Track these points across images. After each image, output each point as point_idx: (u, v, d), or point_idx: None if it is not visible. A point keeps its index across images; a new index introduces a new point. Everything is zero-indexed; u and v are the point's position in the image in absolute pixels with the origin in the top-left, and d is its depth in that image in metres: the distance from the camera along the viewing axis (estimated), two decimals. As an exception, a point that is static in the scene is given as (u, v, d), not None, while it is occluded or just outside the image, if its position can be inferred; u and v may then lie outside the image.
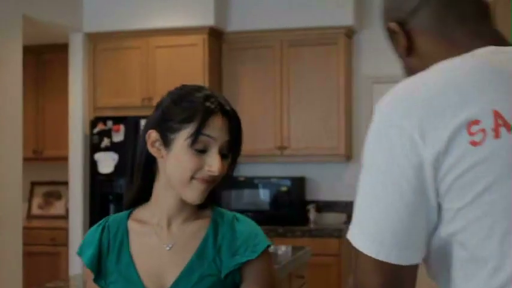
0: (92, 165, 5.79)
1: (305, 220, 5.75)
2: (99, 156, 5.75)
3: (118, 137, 5.72)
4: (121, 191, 5.64)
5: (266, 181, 5.67)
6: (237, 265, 1.56)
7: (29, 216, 6.76)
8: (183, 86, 1.62)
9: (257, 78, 5.85)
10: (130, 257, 1.60)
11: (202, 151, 1.52)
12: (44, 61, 6.57)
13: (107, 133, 5.74)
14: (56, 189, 6.77)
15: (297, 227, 5.44)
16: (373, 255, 1.16)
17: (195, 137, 1.50)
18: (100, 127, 5.76)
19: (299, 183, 5.83)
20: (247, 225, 1.62)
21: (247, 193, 5.74)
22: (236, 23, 5.89)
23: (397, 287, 1.19)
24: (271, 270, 1.63)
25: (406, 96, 1.18)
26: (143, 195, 1.64)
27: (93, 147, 5.78)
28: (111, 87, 5.87)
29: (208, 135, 1.51)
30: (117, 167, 5.70)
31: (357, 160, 5.99)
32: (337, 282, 5.25)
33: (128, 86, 5.83)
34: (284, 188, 5.65)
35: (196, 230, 1.61)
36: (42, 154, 6.57)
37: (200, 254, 1.58)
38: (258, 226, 1.65)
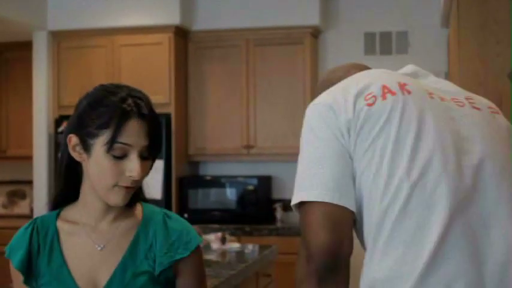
0: (57, 164, 5.72)
1: (272, 219, 5.77)
2: (64, 155, 5.69)
3: (83, 136, 5.67)
4: (86, 190, 5.60)
5: (233, 180, 5.68)
6: (171, 262, 1.58)
7: (-8, 216, 6.68)
8: (101, 86, 1.61)
9: (223, 77, 5.85)
10: (63, 257, 1.60)
11: (122, 157, 1.51)
12: (6, 59, 6.48)
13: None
14: (20, 188, 6.68)
15: (263, 226, 5.46)
16: (321, 199, 1.44)
17: (111, 145, 1.50)
18: (65, 126, 5.70)
19: (266, 182, 5.85)
20: (179, 223, 1.63)
21: (214, 192, 5.74)
22: (202, 22, 5.88)
23: (340, 239, 1.43)
24: (202, 266, 1.67)
25: (332, 90, 1.61)
26: (70, 195, 1.64)
27: (58, 146, 5.72)
28: (75, 86, 5.81)
29: (124, 143, 1.50)
30: (83, 166, 5.65)
31: (322, 159, 6.02)
32: (303, 280, 5.27)
33: (92, 85, 5.64)
34: (251, 187, 5.66)
35: (127, 229, 1.61)
36: (5, 153, 6.48)
37: (132, 252, 1.58)
38: (188, 223, 1.67)
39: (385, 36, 5.92)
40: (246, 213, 5.63)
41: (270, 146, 5.74)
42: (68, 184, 1.63)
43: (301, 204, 1.49)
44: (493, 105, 1.69)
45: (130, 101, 1.53)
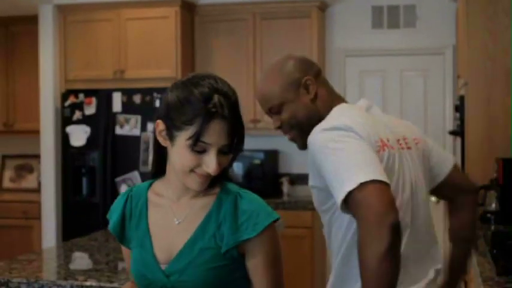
0: (64, 138, 5.75)
1: (278, 193, 5.79)
2: (71, 129, 5.71)
3: (90, 109, 5.67)
4: (93, 163, 5.62)
5: (239, 154, 5.66)
6: (236, 242, 1.64)
7: (1, 189, 6.71)
8: (189, 79, 1.66)
9: (230, 51, 5.83)
10: (147, 225, 1.74)
11: (201, 152, 1.60)
12: (12, 33, 6.46)
13: (79, 106, 5.70)
14: (28, 162, 6.71)
15: (270, 200, 5.47)
16: (372, 177, 1.67)
17: (193, 142, 1.58)
18: (71, 100, 5.71)
19: (272, 156, 5.86)
20: (250, 203, 1.67)
21: (220, 166, 5.74)
22: (209, -5, 5.85)
23: (392, 205, 1.65)
24: (274, 246, 1.69)
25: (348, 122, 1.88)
26: (161, 169, 1.75)
27: (65, 120, 5.73)
28: (82, 60, 5.81)
29: (205, 142, 1.59)
30: (89, 140, 5.67)
31: (329, 133, 6.02)
32: (310, 254, 5.31)
33: (99, 59, 5.77)
34: (257, 161, 5.67)
35: (203, 206, 1.70)
36: (13, 127, 6.49)
37: (203, 228, 1.67)
38: (262, 202, 1.70)
39: (393, 10, 5.87)
40: (253, 187, 5.63)
41: (277, 120, 5.72)
42: (158, 160, 1.74)
43: (357, 189, 1.68)
44: (417, 135, 2.14)
45: (215, 99, 1.59)
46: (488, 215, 3.84)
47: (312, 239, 5.28)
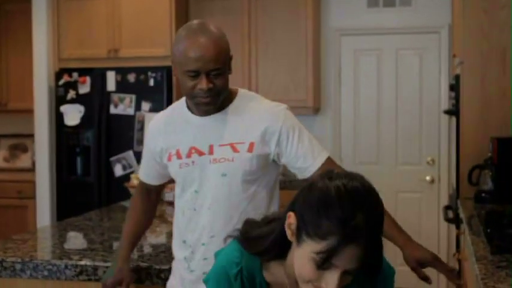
0: (58, 117, 5.72)
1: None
2: (65, 108, 5.69)
3: (84, 88, 5.65)
4: (88, 143, 5.61)
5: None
6: None
7: (-5, 169, 6.70)
8: (331, 185, 1.44)
9: (225, 29, 5.73)
10: None
11: (325, 269, 1.43)
12: (6, 11, 6.41)
13: (73, 85, 5.67)
14: (22, 141, 6.69)
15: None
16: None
17: (320, 261, 1.41)
18: (65, 79, 5.68)
19: (267, 135, 5.84)
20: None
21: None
22: (203, -27, 5.80)
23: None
24: None
25: None
26: (273, 252, 1.59)
27: (59, 99, 5.71)
28: (76, 38, 5.77)
29: (335, 265, 1.41)
30: (84, 119, 5.65)
31: (324, 112, 6.02)
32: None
33: (93, 37, 5.74)
34: (252, 140, 5.66)
35: None
36: (6, 106, 6.47)
37: None
38: (390, 275, 1.67)
39: (389, -12, 5.84)
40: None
41: (272, 99, 5.70)
42: (278, 243, 1.56)
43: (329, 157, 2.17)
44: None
45: (358, 220, 1.39)
46: (483, 195, 3.85)
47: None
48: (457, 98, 4.22)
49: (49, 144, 5.81)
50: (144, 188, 2.39)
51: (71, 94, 5.67)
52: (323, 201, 1.43)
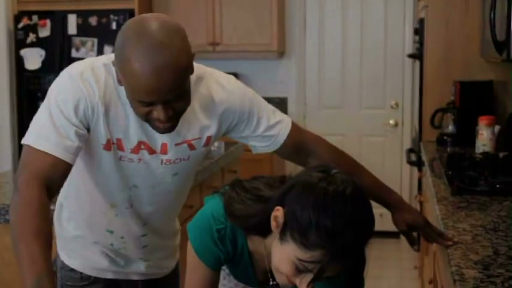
0: (18, 61, 5.61)
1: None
2: (25, 52, 5.57)
3: (44, 32, 5.53)
4: (49, 87, 5.51)
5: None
6: None
7: (-46, 114, 6.57)
8: (328, 191, 1.39)
9: (188, -29, 5.68)
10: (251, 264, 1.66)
11: (303, 271, 1.43)
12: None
13: (33, 28, 5.54)
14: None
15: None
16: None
17: (302, 268, 1.41)
18: (25, 22, 5.55)
19: (231, 79, 5.81)
20: None
21: (179, 90, 5.69)
22: None
23: None
24: None
25: None
26: (255, 230, 1.58)
27: (18, 43, 5.58)
28: (35, -20, 5.61)
29: (314, 272, 1.41)
30: (45, 63, 5.54)
31: (289, 56, 5.99)
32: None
33: (53, -21, 5.58)
34: (216, 85, 5.62)
35: None
36: (-36, 50, 6.30)
37: None
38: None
39: None
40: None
41: (236, 43, 5.67)
42: (261, 224, 1.53)
43: None
44: None
45: (348, 236, 1.36)
46: (445, 138, 3.90)
47: (271, 162, 5.32)
48: (421, 42, 4.23)
49: (9, 88, 5.69)
50: (47, 171, 1.61)
51: (31, 38, 5.55)
52: (316, 209, 1.38)
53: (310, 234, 1.38)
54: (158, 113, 1.59)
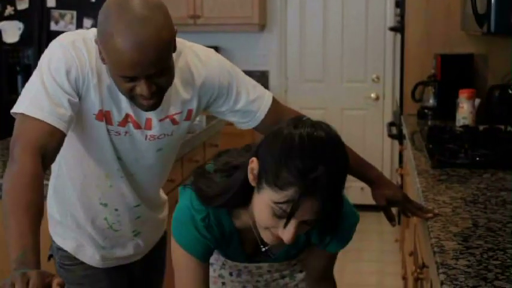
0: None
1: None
2: (3, 25, 5.48)
3: (22, 4, 5.44)
4: (28, 61, 5.45)
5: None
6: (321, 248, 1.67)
7: None
8: (295, 134, 1.39)
9: None
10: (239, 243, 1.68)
11: (281, 217, 1.42)
12: None
13: (10, 0, 5.46)
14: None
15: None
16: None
17: (278, 211, 1.40)
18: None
19: (213, 53, 5.78)
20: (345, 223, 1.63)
21: (160, 63, 5.66)
22: None
23: None
24: None
25: None
26: (238, 202, 1.56)
27: (-4, 15, 5.50)
28: (12, -49, 5.52)
29: (293, 216, 1.40)
30: (23, 36, 5.46)
31: (270, 30, 5.97)
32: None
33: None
34: (197, 58, 5.59)
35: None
36: None
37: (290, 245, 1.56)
38: (353, 224, 1.69)
39: None
40: (193, 84, 5.60)
41: (217, 16, 5.63)
42: (240, 193, 1.52)
43: None
44: None
45: (318, 173, 1.35)
46: (426, 111, 3.92)
47: (253, 136, 5.32)
48: (402, 15, 4.23)
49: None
50: (43, 139, 1.59)
51: (9, 10, 5.46)
52: (285, 151, 1.38)
53: (282, 174, 1.37)
54: (141, 88, 1.60)
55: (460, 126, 3.36)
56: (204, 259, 1.62)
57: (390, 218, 1.95)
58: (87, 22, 5.32)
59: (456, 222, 1.81)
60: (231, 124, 1.99)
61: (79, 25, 5.33)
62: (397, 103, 4.87)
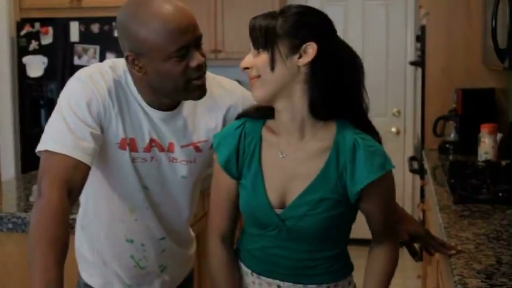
0: (21, 69, 5.61)
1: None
2: (27, 59, 5.57)
3: (47, 39, 5.53)
4: (51, 95, 5.52)
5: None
6: (358, 192, 1.61)
7: (-44, 121, 6.57)
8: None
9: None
10: (260, 166, 1.66)
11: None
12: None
13: (35, 35, 5.55)
14: (-16, 93, 6.56)
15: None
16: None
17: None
18: (27, 29, 5.56)
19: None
20: (367, 151, 1.62)
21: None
22: None
23: None
24: (389, 188, 1.69)
25: None
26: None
27: (21, 50, 5.59)
28: (37, -12, 5.62)
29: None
30: (47, 70, 5.55)
31: (291, 64, 5.99)
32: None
33: (55, -14, 5.59)
34: (218, 92, 5.63)
35: (320, 152, 1.64)
36: (-34, 57, 6.31)
37: (323, 176, 1.61)
38: (379, 147, 1.68)
39: None
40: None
41: (238, 50, 5.68)
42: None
43: None
44: None
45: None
46: (447, 145, 3.90)
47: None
48: (422, 49, 4.23)
49: (12, 96, 5.70)
50: (68, 174, 1.60)
51: (33, 45, 5.55)
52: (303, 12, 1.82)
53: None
54: (195, 58, 1.70)
55: (482, 161, 3.33)
56: (235, 174, 1.69)
57: (413, 253, 1.95)
58: (109, 56, 5.38)
59: (479, 259, 1.79)
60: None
61: (102, 59, 5.36)
62: (418, 137, 4.85)
